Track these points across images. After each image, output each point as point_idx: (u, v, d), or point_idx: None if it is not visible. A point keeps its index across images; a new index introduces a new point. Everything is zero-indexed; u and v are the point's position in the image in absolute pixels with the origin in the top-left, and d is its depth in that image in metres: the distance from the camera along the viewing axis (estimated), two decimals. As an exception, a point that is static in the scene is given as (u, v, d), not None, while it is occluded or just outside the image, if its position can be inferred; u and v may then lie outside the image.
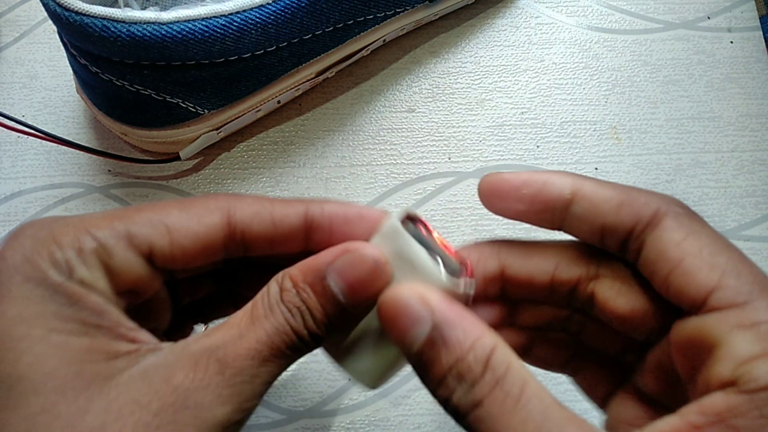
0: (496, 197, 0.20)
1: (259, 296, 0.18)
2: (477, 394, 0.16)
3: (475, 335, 0.16)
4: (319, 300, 0.18)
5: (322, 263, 0.18)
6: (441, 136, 0.34)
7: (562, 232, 0.20)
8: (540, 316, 0.21)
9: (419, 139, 0.34)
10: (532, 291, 0.20)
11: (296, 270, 0.18)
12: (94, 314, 0.16)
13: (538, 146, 0.34)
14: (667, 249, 0.17)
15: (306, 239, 0.19)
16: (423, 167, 0.34)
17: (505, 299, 0.21)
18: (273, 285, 0.18)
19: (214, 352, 0.16)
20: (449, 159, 0.34)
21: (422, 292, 0.17)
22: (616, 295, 0.19)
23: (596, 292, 0.19)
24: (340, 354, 0.20)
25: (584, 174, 0.33)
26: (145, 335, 0.17)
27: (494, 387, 0.16)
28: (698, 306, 0.16)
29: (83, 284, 0.16)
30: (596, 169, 0.34)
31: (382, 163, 0.34)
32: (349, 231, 0.19)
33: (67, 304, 0.16)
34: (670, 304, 0.18)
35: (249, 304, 0.18)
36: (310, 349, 0.18)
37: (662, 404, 0.19)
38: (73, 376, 0.15)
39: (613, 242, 0.19)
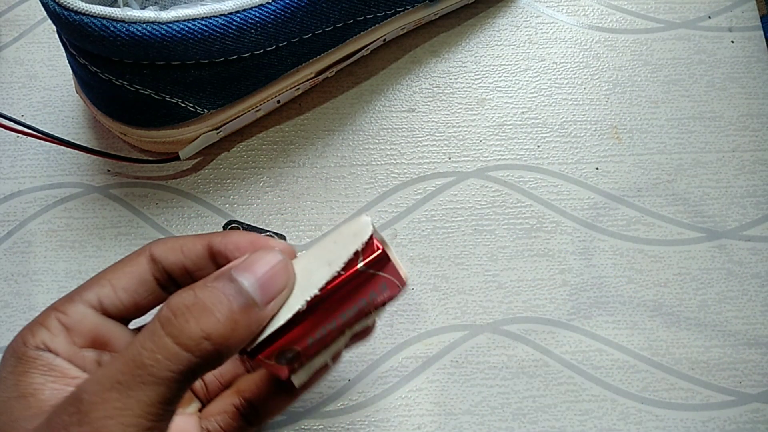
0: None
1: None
2: None
3: None
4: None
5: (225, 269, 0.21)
6: (441, 136, 0.34)
7: None
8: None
9: (419, 139, 0.34)
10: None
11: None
12: (44, 366, 0.21)
13: (538, 146, 0.34)
14: None
15: (215, 265, 0.23)
16: (423, 167, 0.34)
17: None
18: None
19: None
20: (449, 159, 0.34)
21: None
22: None
23: None
24: None
25: (585, 174, 0.34)
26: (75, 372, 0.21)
27: None
28: None
29: (38, 348, 0.21)
30: (597, 168, 0.34)
31: (382, 163, 0.34)
32: (241, 256, 0.23)
33: (21, 364, 0.21)
34: None
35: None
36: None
37: None
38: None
39: None
